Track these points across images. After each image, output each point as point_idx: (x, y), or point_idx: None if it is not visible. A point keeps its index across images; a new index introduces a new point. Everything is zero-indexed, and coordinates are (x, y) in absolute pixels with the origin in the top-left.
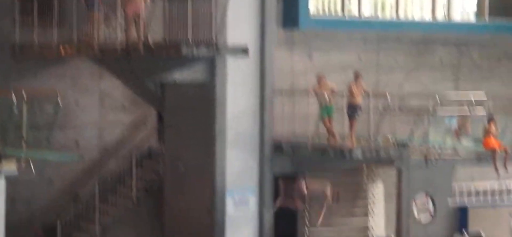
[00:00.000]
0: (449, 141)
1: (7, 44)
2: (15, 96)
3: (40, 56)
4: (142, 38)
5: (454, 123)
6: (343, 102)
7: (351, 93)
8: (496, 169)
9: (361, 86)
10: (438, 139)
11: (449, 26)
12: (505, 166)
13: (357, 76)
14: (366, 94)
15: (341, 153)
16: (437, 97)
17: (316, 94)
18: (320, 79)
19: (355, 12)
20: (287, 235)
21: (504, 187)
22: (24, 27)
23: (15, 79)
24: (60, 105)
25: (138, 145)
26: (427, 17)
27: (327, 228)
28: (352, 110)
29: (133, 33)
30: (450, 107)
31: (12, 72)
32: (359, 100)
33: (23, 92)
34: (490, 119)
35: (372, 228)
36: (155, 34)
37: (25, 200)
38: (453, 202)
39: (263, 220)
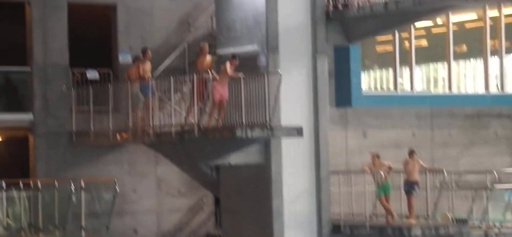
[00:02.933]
0: (509, 217)
1: (64, 133)
2: (73, 184)
3: (97, 143)
4: (221, 123)
5: None
6: (400, 180)
7: (407, 170)
8: None
9: (418, 162)
10: (498, 215)
11: (503, 99)
12: None
13: (411, 153)
14: (423, 171)
15: (400, 231)
16: (494, 172)
17: (372, 172)
18: (374, 158)
19: (407, 88)
20: None
21: None
22: (80, 115)
23: (73, 167)
24: (118, 192)
25: (196, 230)
26: (480, 90)
27: None
28: (410, 187)
29: (214, 117)
30: (509, 181)
31: (70, 160)
32: (416, 176)
33: (81, 181)
34: None
35: None
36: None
37: None
38: None
39: None
